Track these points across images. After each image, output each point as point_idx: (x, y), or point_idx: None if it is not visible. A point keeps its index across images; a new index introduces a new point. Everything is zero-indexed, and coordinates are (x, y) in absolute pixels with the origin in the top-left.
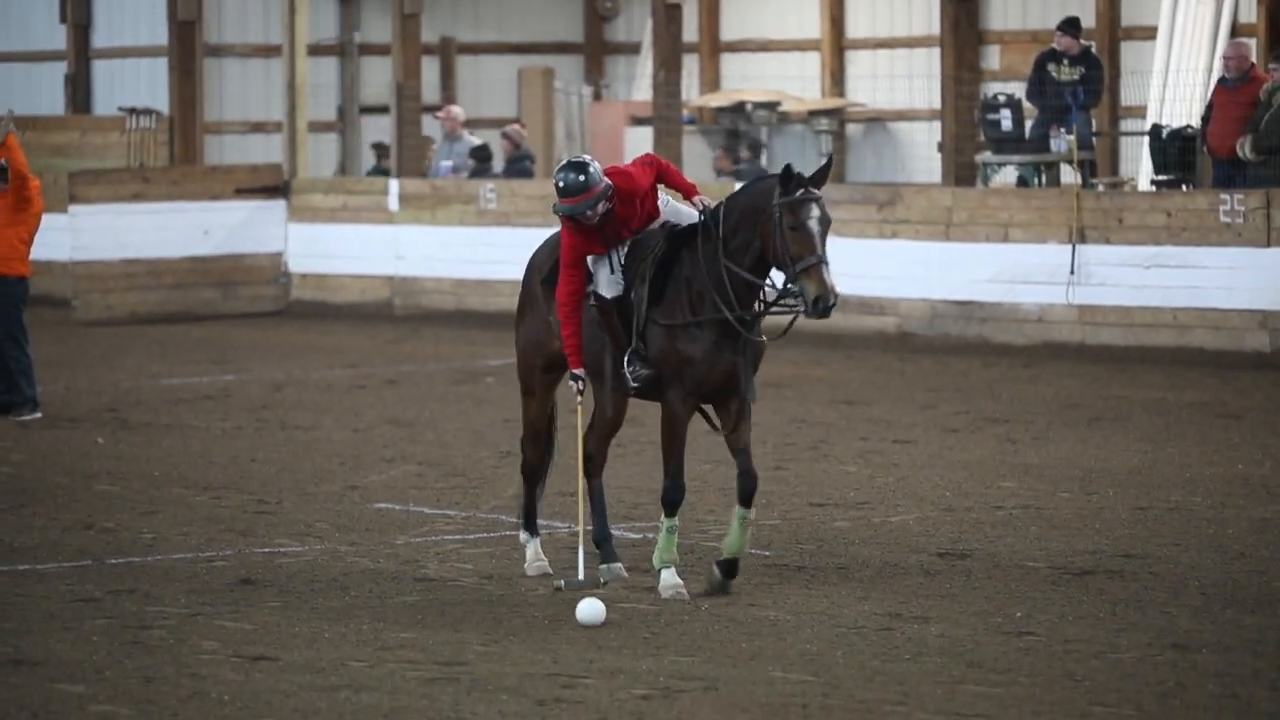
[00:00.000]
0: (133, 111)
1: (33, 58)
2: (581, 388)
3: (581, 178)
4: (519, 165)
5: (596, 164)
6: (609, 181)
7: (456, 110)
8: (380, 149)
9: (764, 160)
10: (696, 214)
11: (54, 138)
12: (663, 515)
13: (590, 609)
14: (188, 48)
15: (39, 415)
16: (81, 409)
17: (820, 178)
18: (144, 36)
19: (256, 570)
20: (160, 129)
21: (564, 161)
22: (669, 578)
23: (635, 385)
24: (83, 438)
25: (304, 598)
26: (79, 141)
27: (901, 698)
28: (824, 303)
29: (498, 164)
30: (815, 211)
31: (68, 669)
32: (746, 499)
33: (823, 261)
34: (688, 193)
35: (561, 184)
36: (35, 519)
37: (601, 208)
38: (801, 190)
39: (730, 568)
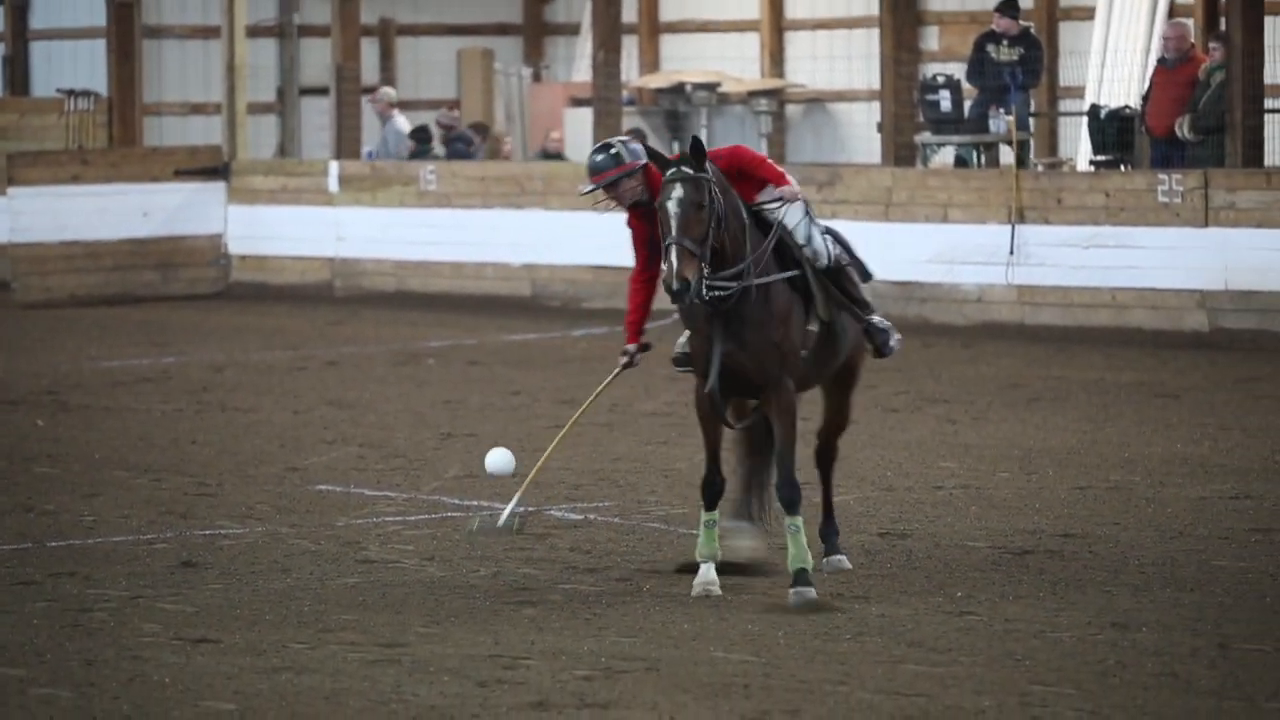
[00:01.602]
0: (71, 93)
1: None
2: (628, 362)
3: (599, 157)
4: (456, 147)
5: (636, 145)
6: (642, 162)
7: (388, 91)
8: (419, 133)
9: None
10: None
11: None
12: (702, 510)
13: (499, 458)
14: (126, 29)
15: None
16: (20, 391)
17: (693, 156)
18: (82, 18)
19: (197, 552)
20: (99, 111)
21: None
22: (708, 571)
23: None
24: (21, 420)
25: (245, 580)
26: (17, 123)
27: (843, 677)
28: (666, 286)
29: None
30: (673, 192)
31: (7, 652)
32: (788, 507)
33: (674, 243)
34: (775, 183)
35: (587, 166)
36: None
37: (633, 185)
38: (671, 170)
39: (799, 577)
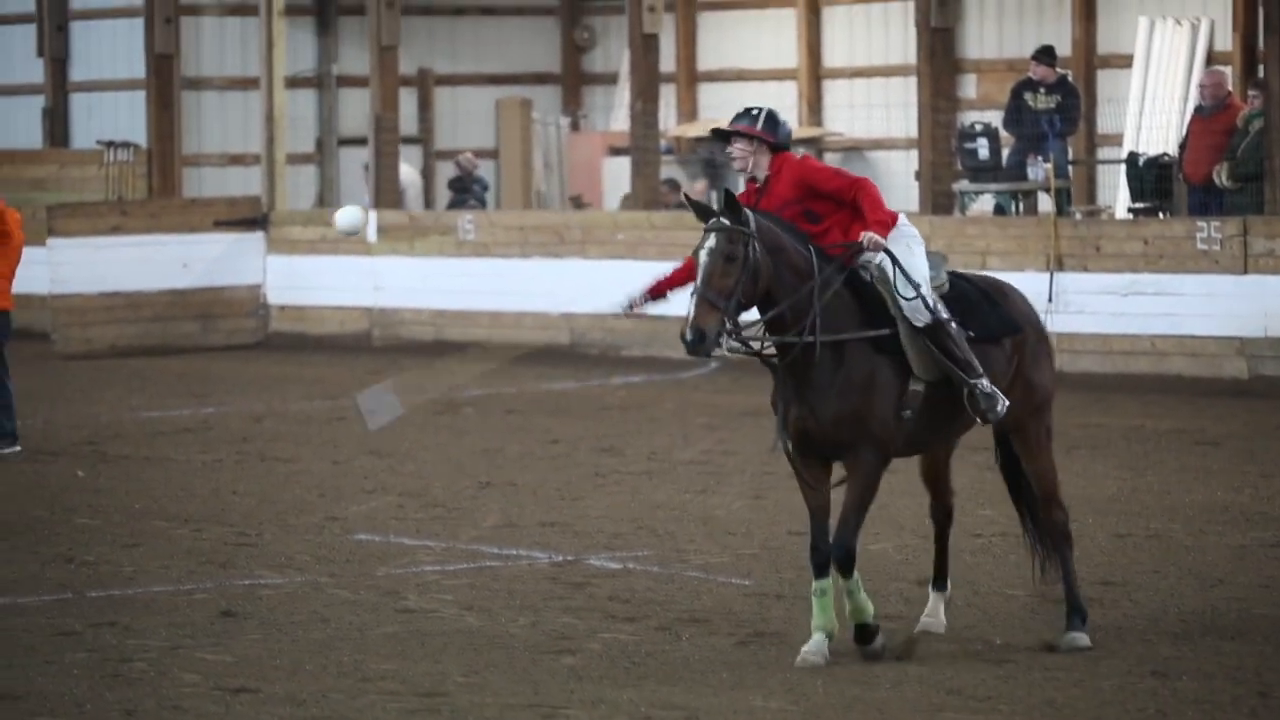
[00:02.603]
0: (111, 145)
1: (10, 91)
2: (630, 311)
3: (755, 111)
4: (470, 190)
5: (783, 124)
6: (780, 141)
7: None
8: (457, 184)
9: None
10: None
11: (32, 171)
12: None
13: (347, 215)
14: (165, 81)
15: (18, 449)
16: (61, 442)
17: (728, 208)
18: (122, 70)
19: (237, 602)
20: (138, 162)
21: None
22: (817, 643)
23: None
24: (62, 471)
25: (285, 629)
26: (57, 175)
27: None
28: (681, 337)
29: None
30: (706, 242)
31: (49, 702)
32: (820, 569)
33: (697, 293)
34: (871, 219)
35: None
36: (15, 553)
37: (746, 152)
38: (711, 220)
39: (861, 634)
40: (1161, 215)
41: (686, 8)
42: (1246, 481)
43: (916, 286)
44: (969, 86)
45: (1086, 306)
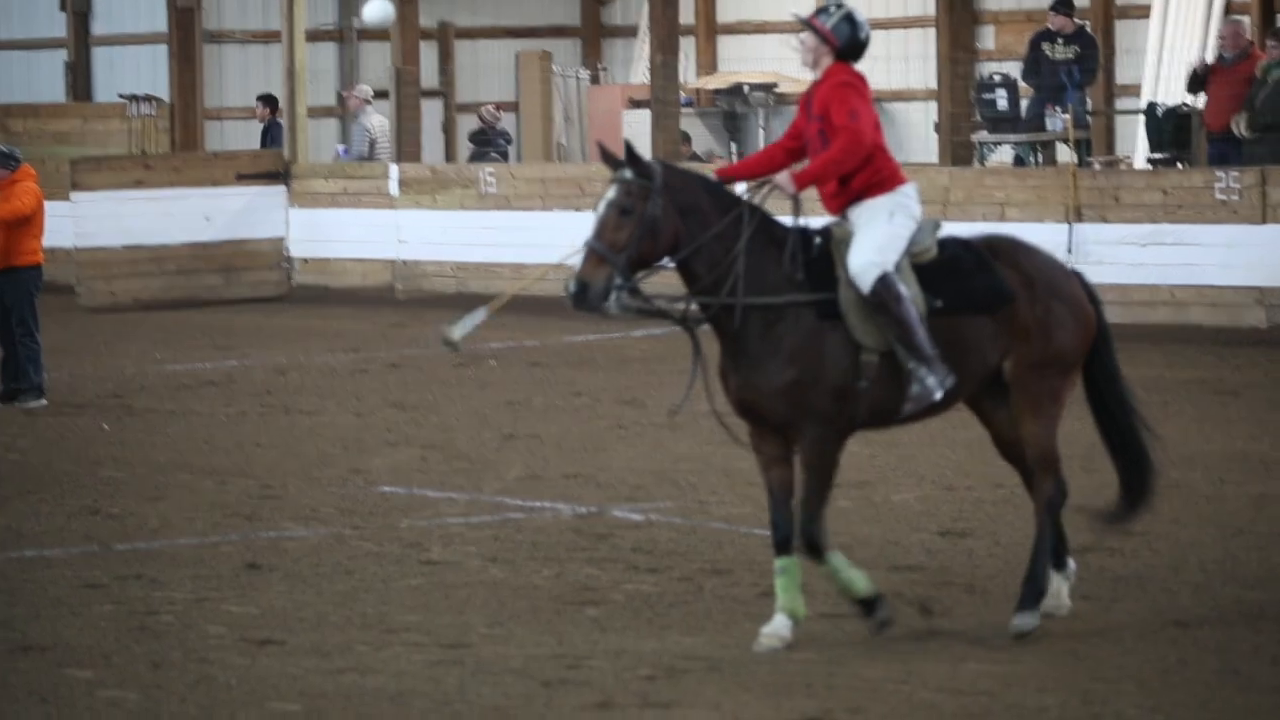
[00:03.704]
0: (133, 98)
1: (33, 45)
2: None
3: (833, 9)
4: (493, 144)
5: (852, 28)
6: (842, 46)
7: (363, 89)
8: (479, 137)
9: (760, 140)
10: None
11: (55, 125)
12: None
13: (377, 8)
14: (187, 34)
15: (44, 403)
16: (86, 395)
17: (628, 161)
18: (144, 23)
19: (262, 555)
20: (161, 115)
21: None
22: (776, 624)
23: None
24: (88, 424)
25: (309, 582)
26: (80, 129)
27: (905, 676)
28: (567, 288)
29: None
30: (605, 193)
31: (76, 654)
32: (780, 546)
33: (587, 245)
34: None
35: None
36: (42, 505)
37: (811, 46)
38: (616, 171)
39: (863, 608)
40: (1180, 165)
41: None
42: (1266, 430)
43: (878, 253)
44: (987, 38)
45: (1106, 257)
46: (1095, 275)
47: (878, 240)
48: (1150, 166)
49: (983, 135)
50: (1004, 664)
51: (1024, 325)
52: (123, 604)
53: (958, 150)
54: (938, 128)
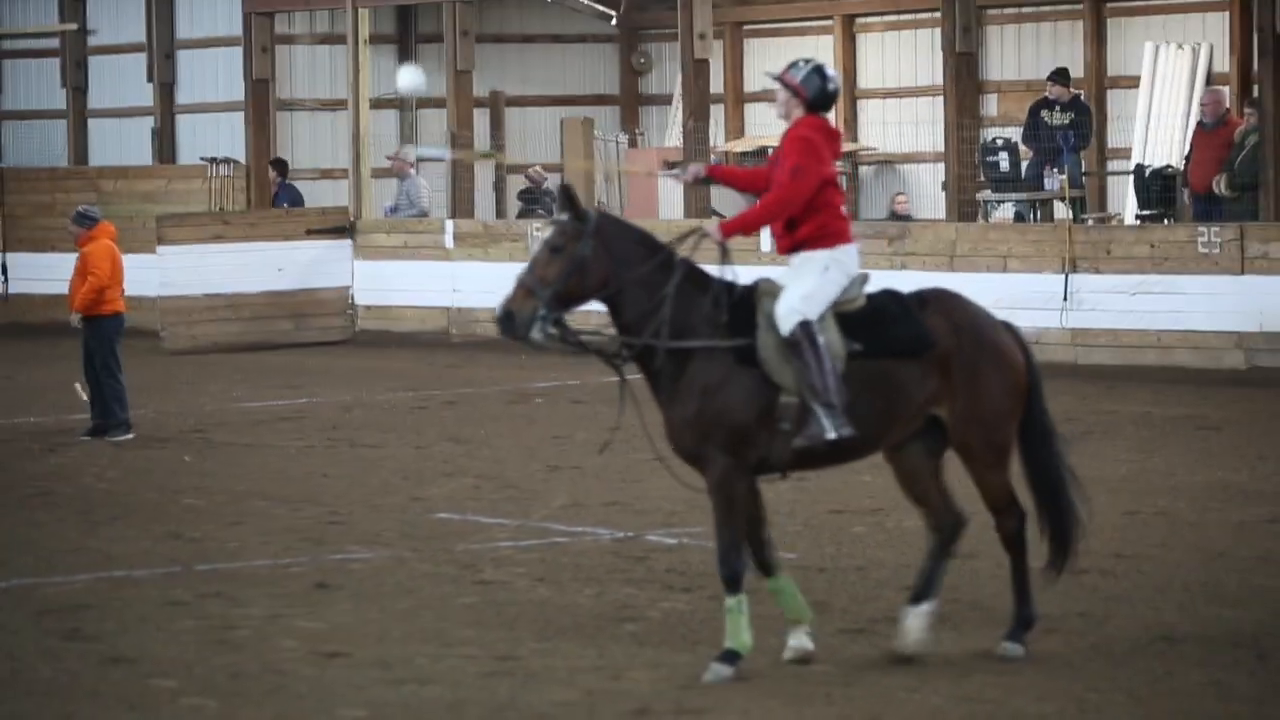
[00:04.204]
0: (213, 161)
1: (124, 114)
2: (686, 177)
3: (803, 63)
4: (540, 202)
5: (825, 83)
6: (810, 99)
7: (407, 153)
8: (526, 195)
9: None
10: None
11: (143, 185)
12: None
13: (409, 77)
14: (262, 103)
15: (131, 436)
16: (170, 430)
17: (566, 204)
18: (223, 93)
19: (330, 575)
20: (238, 176)
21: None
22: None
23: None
24: (171, 456)
25: (373, 600)
26: (165, 188)
27: (917, 685)
28: (495, 315)
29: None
30: (544, 234)
31: (160, 666)
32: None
33: (519, 277)
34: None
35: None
36: (129, 530)
37: (783, 100)
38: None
39: (723, 655)
40: (1166, 221)
41: (734, 34)
42: (1245, 463)
43: (803, 301)
44: (991, 105)
45: (1098, 304)
46: (1089, 321)
47: (806, 290)
48: (1139, 222)
49: (987, 194)
50: (1007, 675)
51: (950, 372)
52: (203, 620)
53: (964, 207)
54: (945, 187)
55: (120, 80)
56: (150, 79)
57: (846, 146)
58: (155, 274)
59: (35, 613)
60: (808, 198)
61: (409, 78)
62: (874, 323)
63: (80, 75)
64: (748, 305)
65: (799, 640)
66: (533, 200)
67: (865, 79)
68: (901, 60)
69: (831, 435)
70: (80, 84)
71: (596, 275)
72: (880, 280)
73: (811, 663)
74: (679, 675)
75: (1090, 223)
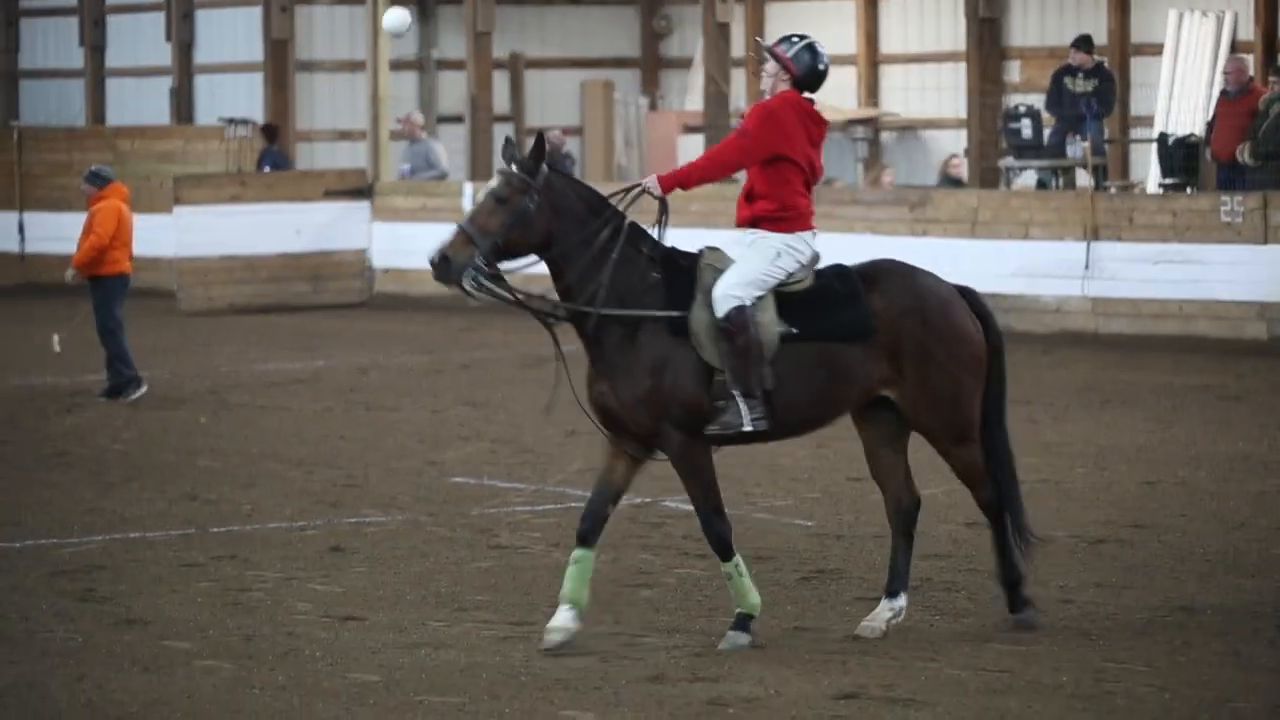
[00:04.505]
0: (231, 122)
1: (142, 73)
2: (640, 190)
3: (796, 39)
4: (559, 166)
5: (814, 59)
6: (798, 75)
7: (416, 116)
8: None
9: None
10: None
11: (160, 145)
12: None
13: (395, 18)
14: (281, 64)
15: (144, 390)
16: (185, 391)
17: (530, 157)
18: (241, 53)
19: (345, 539)
20: (255, 137)
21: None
22: (560, 617)
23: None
24: (187, 418)
25: (388, 564)
26: (183, 149)
27: (933, 654)
28: (430, 258)
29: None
30: (490, 183)
31: (175, 627)
32: (581, 538)
33: (460, 224)
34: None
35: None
36: (144, 492)
37: (770, 72)
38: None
39: (738, 621)
40: (1189, 190)
41: None
42: (1265, 433)
43: (742, 287)
44: (1014, 71)
45: (1120, 273)
46: (1110, 290)
47: (749, 275)
48: (1161, 191)
49: (1009, 161)
50: (1024, 644)
51: (898, 355)
52: (218, 582)
53: (986, 174)
54: (967, 153)
55: (138, 39)
56: (169, 38)
57: (868, 112)
58: (172, 235)
59: (50, 573)
60: (750, 163)
61: (395, 18)
62: (814, 306)
63: (98, 34)
64: (689, 276)
65: (563, 619)
66: (551, 164)
67: (888, 44)
68: (924, 25)
69: (747, 427)
70: (98, 43)
71: (538, 231)
72: (902, 247)
73: (566, 649)
74: (694, 642)
75: (1113, 191)
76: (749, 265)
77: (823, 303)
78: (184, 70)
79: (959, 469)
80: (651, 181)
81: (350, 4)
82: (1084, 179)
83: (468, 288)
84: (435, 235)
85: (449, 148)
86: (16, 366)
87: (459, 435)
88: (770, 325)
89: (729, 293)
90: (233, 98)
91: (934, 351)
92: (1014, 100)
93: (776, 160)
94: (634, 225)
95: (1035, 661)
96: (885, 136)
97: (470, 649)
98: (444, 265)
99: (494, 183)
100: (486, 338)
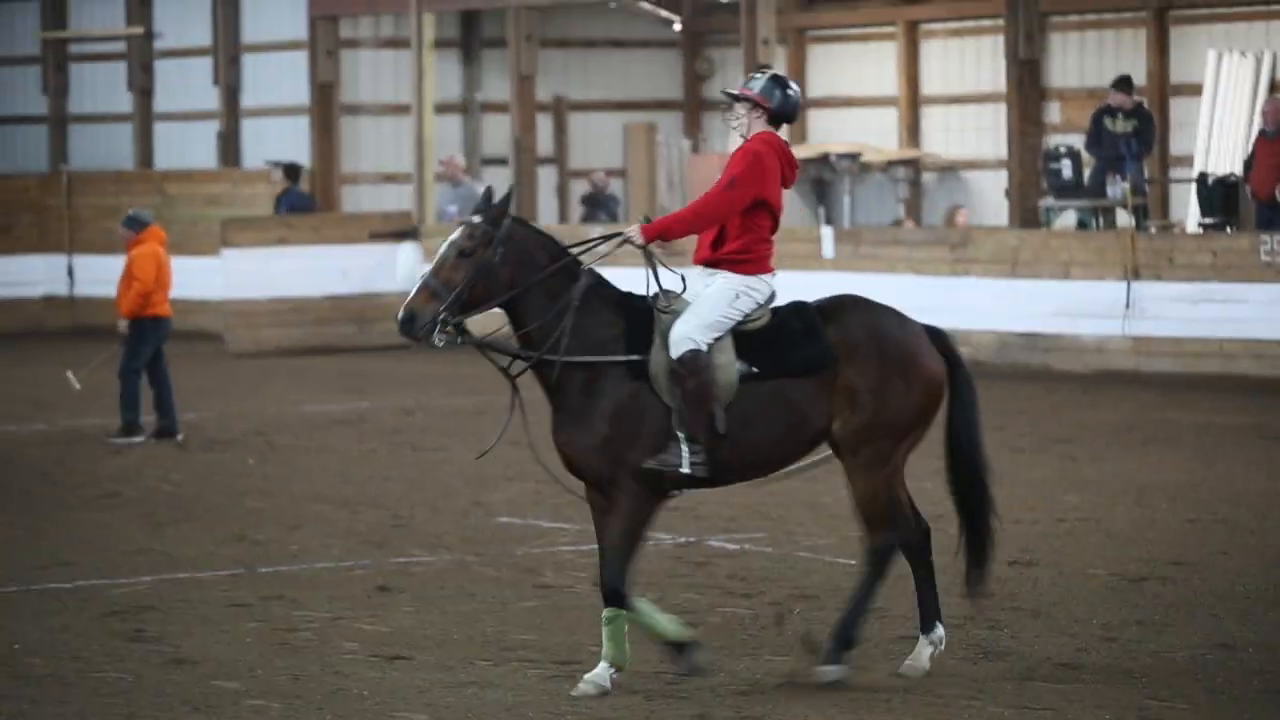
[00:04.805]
0: (277, 165)
1: (189, 117)
2: (623, 239)
3: (759, 75)
4: (603, 207)
5: (785, 96)
6: (775, 108)
7: (458, 159)
8: (589, 200)
9: (845, 206)
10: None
11: (208, 189)
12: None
13: (407, 258)
14: (327, 107)
15: (138, 441)
16: (233, 433)
17: (494, 207)
18: (288, 97)
19: (392, 578)
20: (303, 180)
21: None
22: (597, 672)
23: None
24: (235, 459)
25: (435, 603)
26: (230, 192)
27: (975, 693)
28: (397, 315)
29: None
30: (450, 234)
31: (224, 667)
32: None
33: (422, 278)
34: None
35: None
36: (193, 532)
37: (740, 115)
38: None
39: (674, 650)
40: (1229, 230)
41: (797, 40)
42: None
43: (699, 331)
44: (1054, 112)
45: (1161, 313)
46: (1151, 329)
47: (706, 319)
48: (1201, 230)
49: (1049, 201)
50: (1066, 682)
51: (850, 389)
52: (266, 622)
53: (1026, 214)
54: (1008, 194)
55: (186, 84)
56: (216, 82)
57: (910, 153)
58: (219, 277)
59: (101, 614)
60: (738, 210)
61: (407, 258)
62: (773, 343)
63: (146, 78)
64: (648, 320)
65: (598, 678)
66: (596, 205)
67: (929, 85)
68: (964, 67)
69: (684, 469)
70: (146, 87)
71: (502, 281)
72: (944, 286)
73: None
74: (739, 681)
75: (1153, 230)
76: (707, 308)
77: (781, 339)
78: (231, 114)
79: (863, 508)
80: (635, 231)
81: (395, 48)
82: (1124, 219)
83: (436, 343)
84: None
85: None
86: (65, 409)
87: (504, 476)
88: (729, 366)
89: (686, 335)
90: (279, 141)
91: (891, 383)
92: (1054, 141)
93: (754, 205)
94: (593, 273)
95: (1077, 699)
96: (926, 177)
97: (516, 688)
98: (409, 322)
99: (456, 235)
100: (533, 379)
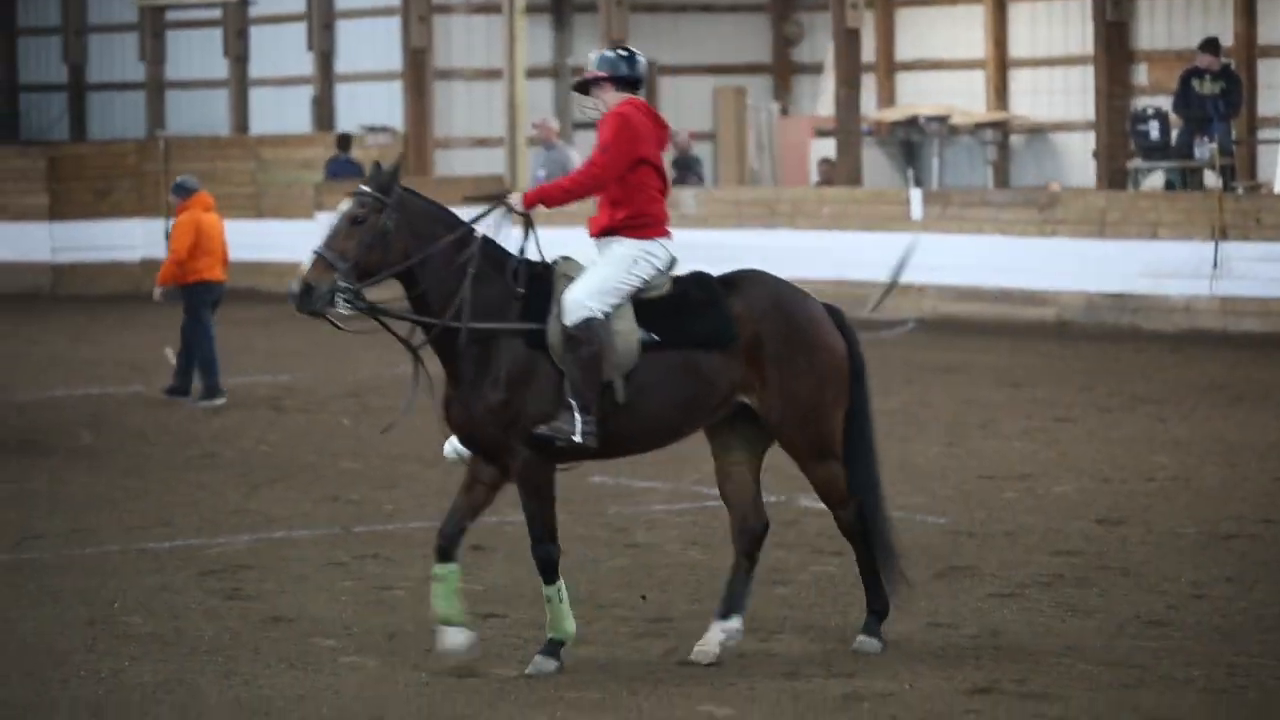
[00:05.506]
0: (371, 129)
1: (284, 82)
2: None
3: (602, 56)
4: (690, 169)
5: (634, 65)
6: (618, 75)
7: (552, 122)
8: (678, 163)
9: (935, 168)
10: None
11: (302, 153)
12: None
13: (454, 641)
14: (420, 72)
15: (222, 401)
16: (327, 395)
17: (384, 175)
18: (381, 62)
19: (485, 537)
20: (396, 144)
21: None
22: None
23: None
24: (329, 420)
25: (527, 562)
26: (324, 156)
27: (1065, 650)
28: (290, 288)
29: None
30: (343, 204)
31: (320, 625)
32: (440, 553)
33: (316, 250)
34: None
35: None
36: (289, 493)
37: (598, 97)
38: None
39: (548, 646)
40: None
41: (886, 4)
42: None
43: (593, 297)
44: (1141, 74)
45: (1248, 272)
46: (1239, 289)
47: (600, 284)
48: None
49: (1137, 162)
50: (1155, 640)
51: (758, 361)
52: (361, 580)
53: (1114, 176)
54: (1096, 155)
55: (280, 50)
56: (310, 48)
57: (997, 115)
58: (314, 240)
59: (198, 573)
60: (615, 176)
61: (455, 642)
62: (674, 312)
63: (241, 45)
64: (545, 286)
65: (454, 639)
66: (683, 168)
67: (1016, 48)
68: (1052, 29)
69: (576, 438)
70: (241, 53)
71: (397, 250)
72: (1032, 248)
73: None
74: (829, 638)
75: (1240, 191)
76: (602, 273)
77: (683, 309)
78: (325, 79)
79: (819, 487)
80: (516, 198)
81: (487, 13)
82: (1211, 180)
83: (341, 311)
84: (572, 238)
85: (584, 155)
86: (166, 371)
87: None
88: (630, 334)
89: (581, 301)
90: (372, 106)
91: (795, 358)
92: (1142, 102)
93: (635, 165)
94: (489, 240)
95: (1167, 656)
96: (1014, 139)
97: (608, 645)
98: (306, 295)
99: (347, 204)
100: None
